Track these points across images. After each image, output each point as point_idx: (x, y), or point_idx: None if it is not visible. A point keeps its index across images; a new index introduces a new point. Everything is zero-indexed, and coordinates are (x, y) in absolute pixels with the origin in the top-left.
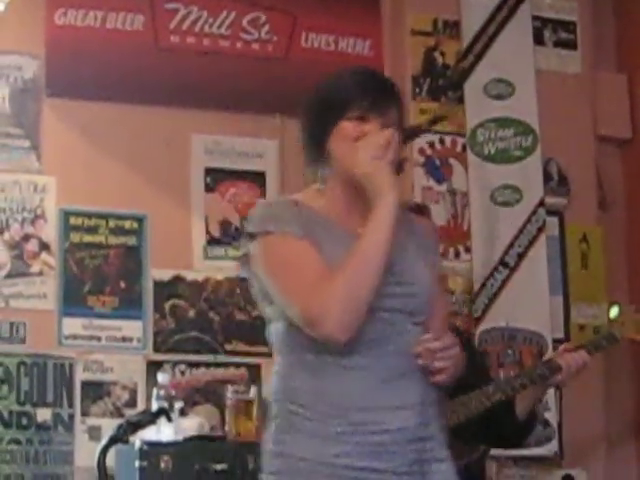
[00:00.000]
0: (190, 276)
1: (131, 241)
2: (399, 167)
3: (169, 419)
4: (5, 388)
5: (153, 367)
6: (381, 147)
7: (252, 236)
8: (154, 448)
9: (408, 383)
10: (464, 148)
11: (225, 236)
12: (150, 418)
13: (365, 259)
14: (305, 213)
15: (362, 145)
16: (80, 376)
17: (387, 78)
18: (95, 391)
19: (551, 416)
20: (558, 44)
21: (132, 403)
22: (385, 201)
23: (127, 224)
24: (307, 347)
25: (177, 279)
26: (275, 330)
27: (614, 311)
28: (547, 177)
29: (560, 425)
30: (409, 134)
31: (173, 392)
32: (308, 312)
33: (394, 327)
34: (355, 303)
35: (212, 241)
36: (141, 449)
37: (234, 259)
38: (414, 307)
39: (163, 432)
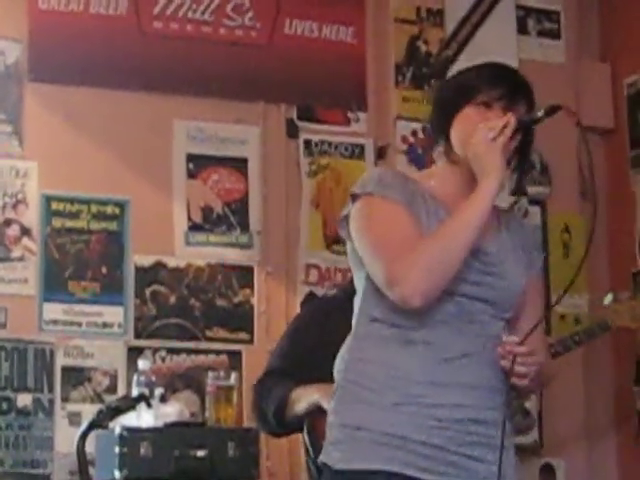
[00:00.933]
0: (171, 262)
1: (112, 227)
2: None
3: (149, 405)
4: None
5: (134, 353)
6: (497, 130)
7: (354, 197)
8: (134, 434)
9: (472, 364)
10: None
11: (207, 222)
12: (130, 404)
13: (453, 234)
14: (411, 186)
15: (480, 127)
16: (60, 361)
17: (521, 74)
18: (75, 377)
19: (531, 405)
20: (542, 34)
21: (112, 389)
22: (487, 182)
23: (109, 209)
24: (376, 318)
25: (158, 265)
26: (355, 302)
27: (608, 298)
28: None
29: (540, 414)
30: (524, 124)
31: (153, 378)
32: (390, 271)
33: (470, 315)
34: (436, 273)
35: (194, 227)
36: (121, 435)
37: (215, 245)
38: (497, 300)
39: (143, 418)
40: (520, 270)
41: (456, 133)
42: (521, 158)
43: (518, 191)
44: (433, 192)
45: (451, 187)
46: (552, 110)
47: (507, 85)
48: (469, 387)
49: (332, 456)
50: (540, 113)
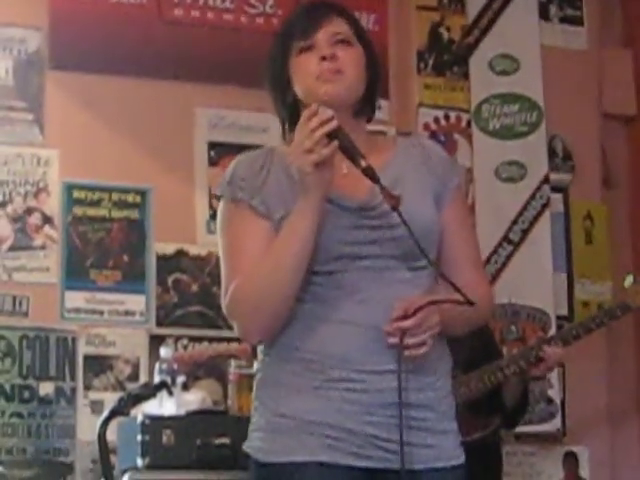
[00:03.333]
0: (193, 250)
1: (134, 215)
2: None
3: (170, 393)
4: (8, 362)
5: (156, 341)
6: (312, 141)
7: (216, 197)
8: (156, 422)
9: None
10: (469, 124)
11: None
12: (151, 391)
13: (277, 264)
14: (275, 163)
15: (300, 123)
16: (83, 350)
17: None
18: (98, 365)
19: (554, 393)
20: (564, 20)
21: (134, 377)
22: (305, 199)
23: (130, 198)
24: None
25: (180, 253)
26: None
27: (629, 280)
28: (552, 154)
29: (563, 402)
30: (340, 139)
31: (175, 366)
32: (227, 302)
33: (381, 275)
34: (266, 309)
35: (215, 215)
36: (143, 423)
37: None
38: (404, 250)
39: (165, 406)
40: (426, 204)
41: (298, 91)
42: (367, 78)
43: (369, 115)
44: None
45: None
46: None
47: (309, 10)
48: (390, 370)
49: (253, 445)
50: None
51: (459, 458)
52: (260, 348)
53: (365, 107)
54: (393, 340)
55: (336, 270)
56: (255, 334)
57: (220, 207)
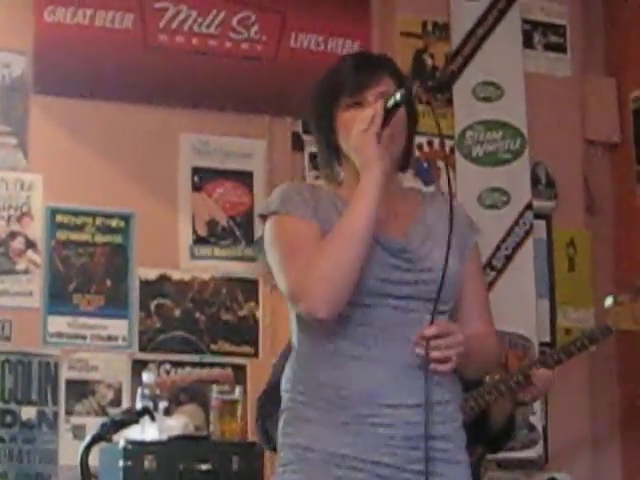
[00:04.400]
0: (176, 275)
1: (117, 240)
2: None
3: (152, 418)
4: None
5: (138, 366)
6: (366, 120)
7: (262, 217)
8: (138, 447)
9: (419, 377)
10: (452, 150)
11: (212, 236)
12: (134, 417)
13: (346, 235)
14: (319, 196)
15: (355, 123)
16: (65, 374)
17: (370, 53)
18: (80, 390)
19: (536, 419)
20: (547, 47)
21: (117, 402)
22: (366, 176)
23: (114, 222)
24: (316, 337)
25: (163, 278)
26: (290, 321)
27: (608, 301)
28: (535, 180)
29: (545, 428)
30: (390, 109)
31: (158, 391)
32: (292, 287)
33: (407, 315)
34: (335, 281)
35: (199, 241)
36: (125, 448)
37: (220, 259)
38: (429, 295)
39: (147, 432)
40: (454, 255)
41: (344, 144)
42: (407, 134)
43: (405, 168)
44: (345, 199)
45: None
46: (410, 91)
47: (360, 68)
48: (419, 402)
49: (284, 478)
50: (399, 95)
51: None
52: (284, 387)
53: (404, 160)
54: (419, 350)
55: (366, 304)
56: (331, 304)
57: (269, 223)
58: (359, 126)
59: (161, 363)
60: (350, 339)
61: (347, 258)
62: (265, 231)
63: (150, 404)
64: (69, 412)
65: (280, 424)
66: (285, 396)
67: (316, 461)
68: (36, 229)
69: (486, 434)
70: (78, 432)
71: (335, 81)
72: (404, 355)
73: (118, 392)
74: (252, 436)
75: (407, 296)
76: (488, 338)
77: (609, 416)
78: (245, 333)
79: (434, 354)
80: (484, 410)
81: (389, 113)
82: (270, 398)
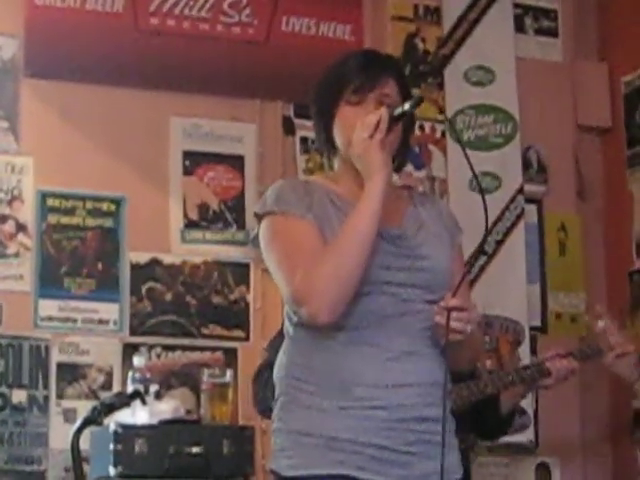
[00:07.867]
0: (167, 259)
1: (108, 223)
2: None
3: (143, 402)
4: None
5: (129, 350)
6: (370, 126)
7: (258, 217)
8: (129, 431)
9: (416, 361)
10: (443, 134)
11: (203, 220)
12: (124, 400)
13: (346, 244)
14: (315, 193)
15: (357, 126)
16: (56, 358)
17: (379, 53)
18: (71, 373)
19: (527, 404)
20: (539, 32)
21: (108, 386)
22: (370, 184)
23: (105, 206)
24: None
25: (154, 262)
26: (285, 310)
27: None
28: (526, 165)
29: (536, 413)
30: (396, 117)
31: (149, 375)
32: (293, 292)
33: (406, 303)
34: (341, 285)
35: (190, 224)
36: (116, 432)
37: (211, 243)
38: (427, 282)
39: (138, 415)
40: (445, 249)
41: (338, 138)
42: (401, 144)
43: (399, 169)
44: (340, 194)
45: (355, 187)
46: (420, 101)
47: (366, 67)
48: (411, 386)
49: (280, 463)
50: (408, 106)
51: (459, 473)
52: (279, 374)
53: (397, 159)
54: (440, 319)
55: (368, 292)
56: (334, 308)
57: (265, 223)
58: (362, 132)
59: (152, 347)
60: (347, 325)
61: (351, 266)
62: (261, 231)
63: (141, 388)
64: (60, 396)
65: (275, 410)
66: (280, 382)
67: (313, 446)
68: (27, 212)
69: (495, 417)
70: (69, 415)
71: (341, 75)
72: (400, 341)
73: (109, 376)
74: (243, 419)
75: (403, 283)
76: (475, 332)
77: (600, 402)
78: (236, 317)
79: (455, 324)
80: (495, 395)
81: (393, 121)
82: (267, 371)
